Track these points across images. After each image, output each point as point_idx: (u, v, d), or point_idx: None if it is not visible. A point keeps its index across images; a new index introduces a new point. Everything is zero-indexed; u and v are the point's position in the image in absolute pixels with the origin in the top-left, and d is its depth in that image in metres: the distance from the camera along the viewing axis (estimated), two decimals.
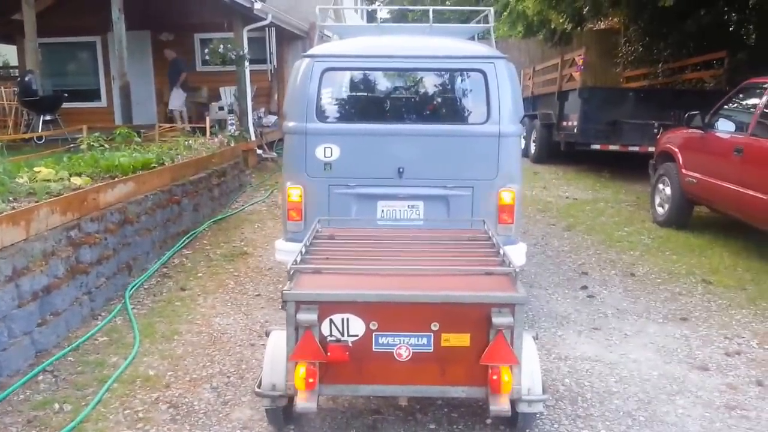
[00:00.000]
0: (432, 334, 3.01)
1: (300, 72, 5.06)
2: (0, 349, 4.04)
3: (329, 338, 3.02)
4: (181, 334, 4.82)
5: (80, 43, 14.56)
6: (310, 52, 5.21)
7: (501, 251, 3.44)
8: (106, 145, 7.65)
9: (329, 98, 5.08)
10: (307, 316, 2.97)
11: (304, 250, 3.53)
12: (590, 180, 12.06)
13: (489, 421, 3.68)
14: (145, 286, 5.85)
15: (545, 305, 5.52)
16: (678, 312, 5.39)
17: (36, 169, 5.63)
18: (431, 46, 5.31)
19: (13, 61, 17.78)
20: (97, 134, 7.99)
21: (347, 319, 3.01)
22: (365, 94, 5.24)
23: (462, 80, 5.19)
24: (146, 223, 6.37)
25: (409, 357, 3.03)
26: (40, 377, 4.16)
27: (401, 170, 4.99)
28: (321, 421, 3.67)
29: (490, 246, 3.75)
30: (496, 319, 2.94)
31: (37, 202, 4.86)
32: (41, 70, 11.96)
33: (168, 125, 12.20)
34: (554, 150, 13.19)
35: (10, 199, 4.99)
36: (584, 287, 5.97)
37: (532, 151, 14.14)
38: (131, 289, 5.67)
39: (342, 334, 3.02)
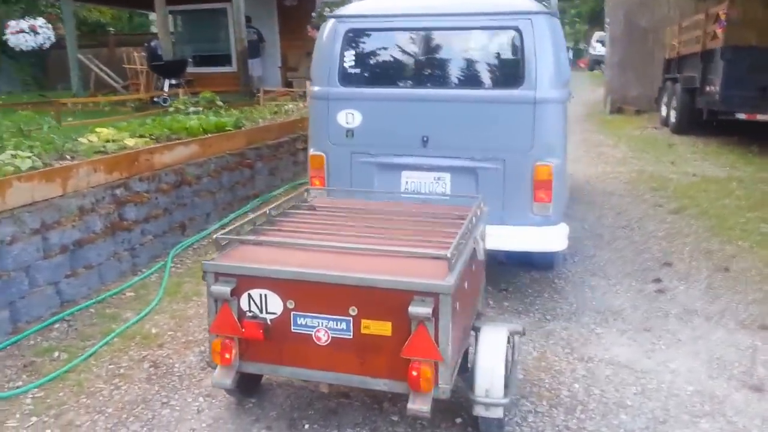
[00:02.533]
0: (351, 319, 2.76)
1: (324, 34, 4.85)
2: (19, 296, 4.29)
3: (248, 314, 2.87)
4: (200, 296, 4.87)
5: (212, 10, 15.14)
6: (336, 12, 4.97)
7: (462, 233, 3.07)
8: (193, 108, 7.89)
9: (352, 61, 4.81)
10: (220, 288, 2.84)
11: (262, 220, 3.39)
12: (732, 155, 10.72)
13: (459, 420, 3.37)
14: (195, 246, 6.00)
15: (598, 297, 4.96)
16: (760, 318, 4.60)
17: (98, 129, 5.91)
18: (463, 2, 4.85)
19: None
20: (189, 98, 8.26)
21: (265, 296, 2.84)
22: (389, 56, 4.91)
23: (495, 39, 4.70)
24: (208, 185, 6.51)
25: (328, 341, 2.80)
26: (56, 326, 4.38)
27: (425, 139, 4.66)
28: (284, 399, 3.55)
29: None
30: (413, 309, 2.63)
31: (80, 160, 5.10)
32: (175, 37, 12.60)
33: (284, 89, 12.47)
34: (697, 119, 11.82)
35: (68, 157, 5.28)
36: (657, 280, 5.30)
37: (672, 120, 12.81)
38: (179, 248, 5.84)
39: (260, 311, 2.86)
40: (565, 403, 3.56)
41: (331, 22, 4.84)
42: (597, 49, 33.26)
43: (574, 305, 4.81)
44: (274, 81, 14.46)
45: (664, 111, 13.44)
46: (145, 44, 12.67)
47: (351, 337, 2.77)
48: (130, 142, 5.69)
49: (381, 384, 2.79)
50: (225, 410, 3.46)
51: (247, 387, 3.47)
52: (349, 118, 4.78)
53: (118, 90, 13.80)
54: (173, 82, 12.46)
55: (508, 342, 3.36)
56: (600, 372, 3.88)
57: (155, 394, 3.60)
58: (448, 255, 2.71)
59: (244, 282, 2.85)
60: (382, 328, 2.73)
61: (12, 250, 4.23)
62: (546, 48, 4.47)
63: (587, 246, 6.12)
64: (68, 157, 5.30)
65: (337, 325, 2.78)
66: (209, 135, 6.79)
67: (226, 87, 12.53)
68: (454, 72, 4.80)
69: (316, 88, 4.89)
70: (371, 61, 4.90)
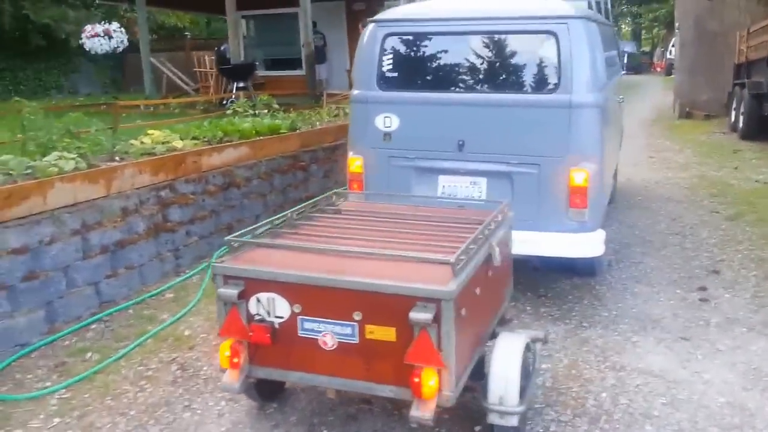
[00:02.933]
0: (356, 324, 2.74)
1: (364, 38, 4.87)
2: (57, 296, 4.45)
3: (256, 317, 2.89)
4: None
5: (284, 15, 15.42)
6: (376, 16, 4.97)
7: (473, 238, 3.00)
8: (251, 111, 8.03)
9: (391, 65, 4.82)
10: (227, 291, 2.86)
11: (281, 222, 3.41)
12: None
13: (478, 428, 3.30)
14: None
15: (639, 305, 4.79)
16: None
17: (150, 131, 6.08)
18: (499, 6, 4.78)
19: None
20: (249, 101, 8.40)
21: (273, 299, 2.84)
22: (427, 60, 4.88)
23: (531, 44, 4.60)
24: (258, 187, 6.60)
25: (334, 346, 2.79)
26: (93, 326, 4.52)
27: (461, 143, 4.61)
28: (306, 404, 3.56)
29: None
30: (414, 315, 2.59)
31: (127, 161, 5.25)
32: (248, 41, 12.90)
33: (348, 93, 12.55)
34: (764, 125, 11.36)
35: (117, 159, 5.45)
36: (702, 288, 5.08)
37: (740, 126, 12.30)
38: (225, 249, 5.92)
39: (268, 315, 2.87)
40: (590, 412, 3.46)
41: (370, 26, 4.86)
42: (673, 53, 32.32)
43: (613, 312, 4.66)
44: (341, 84, 14.60)
45: (732, 116, 12.95)
46: (215, 48, 13.01)
47: (357, 342, 2.75)
48: (179, 144, 5.83)
49: (387, 390, 2.76)
50: (245, 415, 3.49)
51: (271, 391, 3.49)
52: (386, 121, 4.77)
53: (188, 92, 14.21)
54: (241, 84, 12.74)
55: (529, 349, 3.29)
56: (630, 381, 3.75)
57: (179, 397, 3.67)
58: (452, 260, 2.65)
59: (252, 285, 2.86)
60: (386, 333, 2.69)
61: (50, 251, 4.39)
62: (582, 52, 4.37)
63: (635, 252, 5.92)
64: (118, 158, 5.46)
65: (342, 329, 2.76)
66: (261, 137, 6.87)
67: (296, 90, 12.76)
68: (491, 76, 4.73)
69: (355, 92, 4.91)
70: (409, 65, 4.88)
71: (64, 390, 3.76)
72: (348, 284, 2.72)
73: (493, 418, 2.96)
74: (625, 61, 8.11)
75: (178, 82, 14.67)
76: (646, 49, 49.25)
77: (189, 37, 21.17)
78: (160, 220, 5.37)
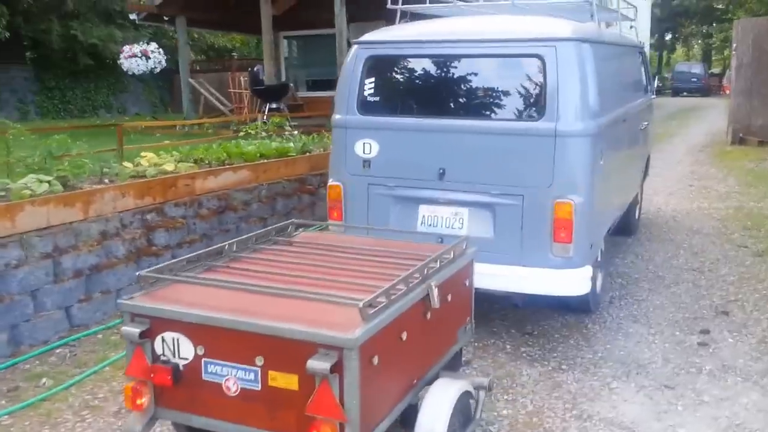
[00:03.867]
0: (258, 369, 2.54)
1: (347, 60, 4.71)
2: (23, 319, 4.41)
3: (162, 358, 2.72)
4: None
5: (324, 35, 15.45)
6: (360, 38, 4.80)
7: (402, 278, 2.77)
8: (264, 133, 7.97)
9: (372, 89, 4.64)
10: (129, 330, 2.70)
11: (210, 255, 3.25)
12: None
13: None
14: None
15: (629, 347, 4.45)
16: None
17: (143, 154, 6.05)
18: (485, 28, 4.56)
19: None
20: (258, 124, 8.35)
21: (177, 339, 2.67)
22: (408, 84, 4.70)
23: (517, 68, 4.36)
24: (257, 211, 6.50)
25: (237, 392, 2.60)
26: (59, 350, 4.45)
27: (442, 172, 4.38)
28: None
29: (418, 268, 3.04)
30: (311, 363, 2.37)
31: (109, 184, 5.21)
32: (289, 62, 12.93)
33: None
34: None
35: (106, 181, 5.41)
36: (705, 331, 4.70)
37: None
38: None
39: (173, 356, 2.70)
40: None
41: (353, 48, 4.71)
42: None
43: (598, 354, 4.34)
44: None
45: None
46: (249, 69, 13.11)
47: (259, 389, 2.55)
48: (170, 167, 5.76)
49: None
50: None
51: None
52: (366, 147, 4.59)
53: (225, 113, 14.36)
54: (273, 106, 12.78)
55: (471, 397, 3.05)
56: None
57: (115, 430, 3.53)
58: (361, 304, 2.43)
59: (157, 324, 2.70)
60: (288, 381, 2.49)
61: (17, 274, 4.36)
62: (571, 77, 4.12)
63: (641, 289, 5.55)
64: (107, 181, 5.43)
65: (245, 375, 2.57)
66: (266, 161, 6.78)
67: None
68: (474, 101, 4.52)
69: (336, 116, 4.74)
70: (390, 90, 4.72)
71: (6, 416, 3.67)
72: (249, 326, 2.53)
73: None
74: (655, 84, 7.51)
75: (216, 102, 14.85)
76: (716, 70, 47.60)
77: (235, 57, 21.57)
78: (143, 244, 5.30)
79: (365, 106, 4.62)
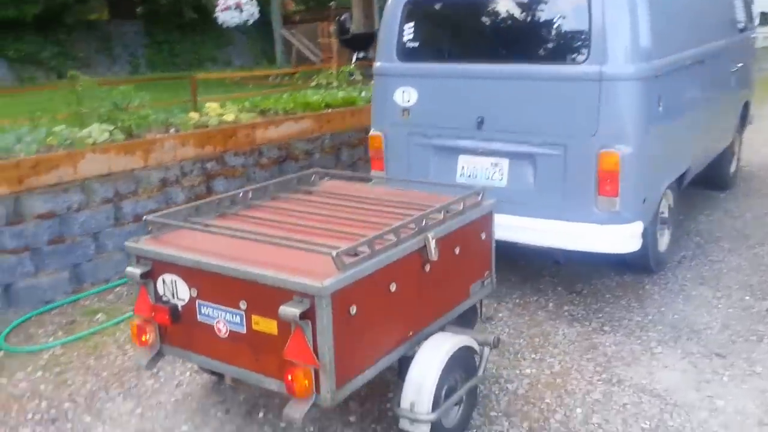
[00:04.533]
0: (243, 313, 2.58)
1: (387, 5, 4.58)
2: (85, 259, 4.69)
3: (163, 298, 2.82)
4: None
5: None
6: None
7: (393, 229, 2.69)
8: (335, 83, 7.96)
9: (411, 35, 4.49)
10: (131, 270, 2.81)
11: (228, 202, 3.30)
12: None
13: None
14: None
15: (687, 311, 4.15)
16: None
17: (207, 104, 6.19)
18: None
19: None
20: (330, 74, 8.32)
21: (175, 282, 2.75)
22: (447, 28, 4.49)
23: (560, 6, 4.07)
24: (319, 161, 6.52)
25: (227, 334, 2.65)
26: (117, 290, 4.71)
27: (481, 120, 4.21)
28: None
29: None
30: (283, 309, 2.38)
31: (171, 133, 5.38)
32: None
33: None
34: None
35: (173, 131, 5.60)
36: None
37: None
38: None
39: (173, 296, 2.78)
40: (550, 429, 3.05)
41: None
42: None
43: (648, 317, 4.08)
44: None
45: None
46: (336, 18, 13.07)
47: (245, 332, 2.59)
48: (230, 117, 5.88)
49: (274, 384, 2.58)
50: (200, 387, 3.47)
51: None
52: (405, 95, 4.48)
53: (315, 63, 14.47)
54: (361, 55, 12.69)
55: (475, 353, 2.96)
56: (618, 399, 3.26)
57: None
58: (334, 253, 2.39)
59: (158, 266, 2.79)
60: (269, 326, 2.51)
61: (79, 217, 4.62)
62: (620, 13, 3.83)
63: (720, 249, 5.15)
64: (174, 131, 5.61)
65: (233, 318, 2.61)
66: (330, 110, 6.78)
67: None
68: (513, 45, 4.28)
69: (377, 64, 4.65)
70: (428, 35, 4.56)
71: (60, 347, 3.93)
72: (232, 272, 2.56)
73: (403, 424, 2.72)
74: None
75: (307, 52, 14.98)
76: None
77: (332, 7, 21.53)
78: (202, 192, 5.46)
79: (405, 53, 4.49)
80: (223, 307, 2.63)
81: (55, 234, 4.54)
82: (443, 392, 2.79)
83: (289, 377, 2.43)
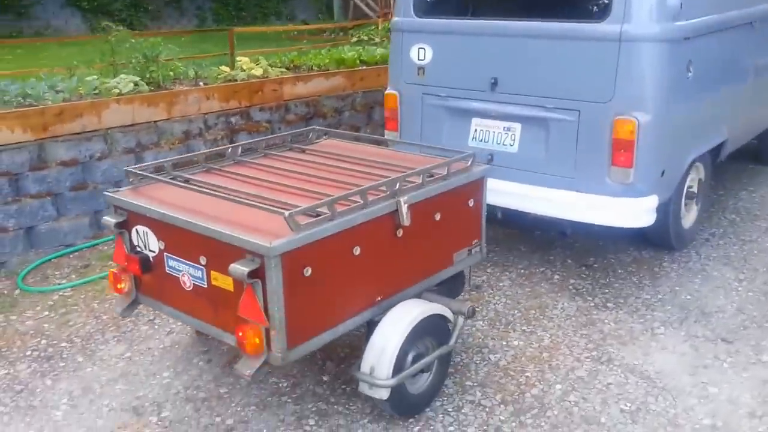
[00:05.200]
0: (203, 268, 2.59)
1: None
2: (107, 206, 4.79)
3: (137, 249, 2.86)
4: None
5: None
6: None
7: (359, 191, 2.63)
8: (377, 39, 7.84)
9: None
10: (107, 219, 2.87)
11: (211, 157, 3.30)
12: None
13: None
14: None
15: (702, 292, 3.94)
16: None
17: (238, 59, 6.20)
18: None
19: None
20: (372, 29, 8.20)
21: (146, 233, 2.79)
22: None
23: None
24: (349, 119, 6.47)
25: (191, 287, 2.67)
26: None
27: (494, 81, 4.06)
28: None
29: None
30: (232, 267, 2.37)
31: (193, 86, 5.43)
32: None
33: None
34: None
35: (201, 84, 5.65)
36: None
37: None
38: None
39: (145, 247, 2.82)
40: (523, 403, 2.97)
41: None
42: None
43: (658, 296, 3.91)
44: None
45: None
46: None
47: (206, 286, 2.61)
48: (258, 71, 5.87)
49: (231, 339, 2.59)
50: (188, 336, 3.54)
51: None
52: (420, 53, 4.36)
53: (371, 18, 14.28)
54: None
55: (447, 321, 2.91)
56: (603, 378, 3.15)
57: (149, 311, 3.76)
58: (286, 213, 2.36)
59: (132, 217, 2.82)
60: (226, 282, 2.51)
61: (101, 166, 4.73)
62: None
63: (755, 228, 4.87)
64: (202, 84, 5.66)
65: (195, 272, 2.63)
66: (364, 68, 6.69)
67: None
68: (529, 0, 4.07)
69: (395, 19, 4.53)
70: None
71: (70, 289, 4.08)
72: (193, 227, 2.56)
73: (363, 388, 2.71)
74: None
75: (364, 7, 14.78)
76: None
77: None
78: (225, 145, 5.49)
79: (421, 8, 4.35)
80: (186, 261, 2.65)
81: (77, 181, 4.67)
82: (408, 358, 2.76)
83: (240, 334, 2.43)
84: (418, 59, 4.36)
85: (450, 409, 2.92)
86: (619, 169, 3.74)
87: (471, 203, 3.18)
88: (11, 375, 3.19)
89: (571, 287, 4.02)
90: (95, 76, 5.24)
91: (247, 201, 2.59)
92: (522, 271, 4.22)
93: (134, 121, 4.95)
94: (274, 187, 2.87)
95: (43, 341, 3.50)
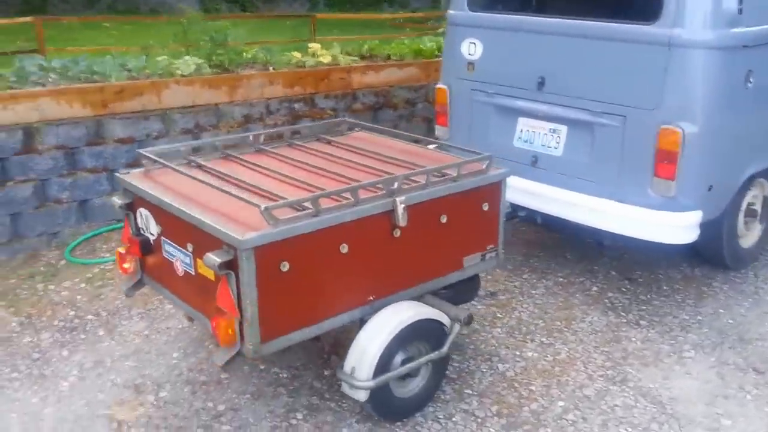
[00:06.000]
0: (191, 255, 2.63)
1: None
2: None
3: (141, 230, 2.94)
4: None
5: None
6: None
7: (350, 188, 2.59)
8: None
9: None
10: (114, 200, 2.96)
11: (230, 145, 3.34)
12: None
13: None
14: None
15: (746, 317, 3.66)
16: None
17: (310, 45, 6.24)
18: None
19: None
20: None
21: (147, 216, 2.86)
22: None
23: None
24: (422, 111, 6.38)
25: (183, 273, 2.72)
26: None
27: (541, 80, 3.89)
28: None
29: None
30: (207, 256, 2.39)
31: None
32: None
33: None
34: None
35: (271, 69, 5.75)
36: None
37: None
38: None
39: (146, 230, 2.89)
40: (519, 417, 2.86)
41: None
42: None
43: (698, 317, 3.65)
44: None
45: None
46: None
47: (194, 273, 2.65)
48: (326, 58, 5.90)
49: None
50: None
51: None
52: (471, 48, 4.24)
53: None
54: None
55: (446, 328, 2.84)
56: (611, 399, 2.98)
57: None
58: (262, 207, 2.35)
59: (138, 200, 2.89)
60: (208, 270, 2.53)
61: (156, 144, 4.89)
62: None
63: None
64: (272, 68, 5.76)
65: (185, 258, 2.67)
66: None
67: None
68: None
69: (449, 12, 4.43)
70: None
71: (111, 263, 4.26)
72: (182, 214, 2.59)
73: (344, 388, 2.68)
74: None
75: None
76: None
77: None
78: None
79: (475, 2, 4.22)
80: (178, 247, 2.69)
81: (132, 158, 4.84)
82: (396, 361, 2.70)
83: (214, 324, 2.45)
84: (469, 54, 4.23)
85: (441, 417, 2.84)
86: (662, 181, 3.50)
87: (486, 207, 3.06)
88: (34, 343, 3.37)
89: (606, 301, 3.81)
90: (165, 57, 5.42)
91: (230, 192, 2.59)
92: (560, 279, 4.04)
93: (194, 103, 5.08)
94: (279, 178, 2.87)
95: (72, 312, 3.67)
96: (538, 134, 4.00)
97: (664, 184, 3.49)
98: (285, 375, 3.12)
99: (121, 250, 3.00)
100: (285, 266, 2.44)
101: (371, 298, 2.75)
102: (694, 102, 3.41)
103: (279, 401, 2.94)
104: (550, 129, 3.94)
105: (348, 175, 2.92)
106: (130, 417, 2.82)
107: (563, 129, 3.89)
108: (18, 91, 4.45)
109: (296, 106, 5.61)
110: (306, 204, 2.49)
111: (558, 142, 3.91)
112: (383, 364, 2.64)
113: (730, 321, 3.61)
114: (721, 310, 3.71)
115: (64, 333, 3.47)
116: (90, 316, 3.64)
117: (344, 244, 2.59)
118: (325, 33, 8.89)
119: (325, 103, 5.78)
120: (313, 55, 6.09)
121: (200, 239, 2.53)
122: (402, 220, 2.68)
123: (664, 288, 3.96)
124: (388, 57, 6.59)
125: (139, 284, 3.06)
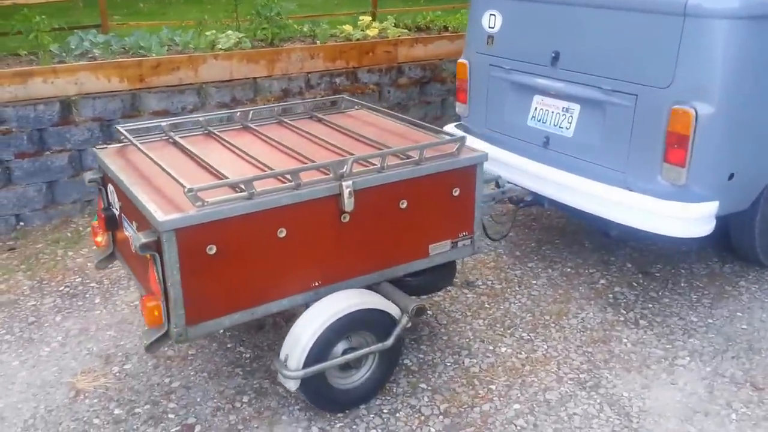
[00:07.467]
0: (135, 234, 2.67)
1: None
2: None
3: (110, 205, 3.02)
4: None
5: None
6: None
7: (291, 170, 2.53)
8: None
9: None
10: (87, 174, 3.05)
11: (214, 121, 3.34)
12: None
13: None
14: None
15: (765, 323, 3.30)
16: None
17: (361, 18, 6.13)
18: None
19: None
20: None
21: (113, 192, 2.93)
22: None
23: None
24: None
25: (134, 250, 2.78)
26: None
27: (555, 55, 3.64)
28: None
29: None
30: (134, 236, 2.42)
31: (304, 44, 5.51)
32: None
33: None
34: None
35: (318, 42, 5.74)
36: None
37: None
38: None
39: (113, 205, 2.97)
40: (465, 418, 2.73)
41: None
42: None
43: (707, 320, 3.34)
44: None
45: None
46: None
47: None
48: (372, 32, 5.79)
49: None
50: None
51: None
52: (491, 20, 4.03)
53: None
54: None
55: (396, 318, 2.73)
56: (573, 406, 2.78)
57: None
58: (186, 189, 2.34)
59: (106, 175, 2.97)
60: None
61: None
62: None
63: None
64: (318, 42, 5.74)
65: (133, 235, 2.72)
66: None
67: None
68: None
69: None
70: None
71: None
72: (127, 192, 2.63)
73: (279, 376, 2.64)
74: None
75: None
76: None
77: None
78: (326, 105, 5.54)
79: None
80: (130, 223, 2.74)
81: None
82: (335, 351, 2.65)
83: (141, 304, 2.48)
84: (489, 27, 4.02)
85: (385, 411, 2.76)
86: (672, 167, 3.19)
87: (457, 192, 2.91)
88: (35, 307, 3.56)
89: (610, 296, 3.56)
90: (214, 31, 5.52)
91: (169, 172, 2.59)
92: (568, 270, 3.81)
93: (232, 77, 5.15)
94: (245, 157, 2.85)
95: (78, 279, 3.84)
96: (551, 113, 3.75)
97: (674, 171, 3.19)
98: (248, 355, 3.13)
99: (94, 223, 3.10)
100: (212, 249, 2.42)
101: (316, 284, 2.69)
102: (711, 79, 3.07)
103: (232, 381, 2.96)
104: (564, 108, 3.69)
105: (320, 156, 2.85)
106: (89, 387, 2.92)
107: (576, 108, 3.63)
108: (58, 65, 4.67)
109: (337, 80, 5.56)
110: (240, 186, 2.46)
111: (570, 122, 3.66)
112: (317, 354, 2.58)
113: (744, 327, 3.27)
114: (739, 314, 3.37)
115: (64, 299, 3.64)
116: (93, 284, 3.79)
117: (282, 229, 2.54)
118: (390, 5, 8.72)
119: (368, 77, 5.70)
120: (364, 28, 6.00)
121: (139, 218, 2.57)
122: (348, 204, 2.60)
123: (682, 285, 3.64)
124: (445, 29, 6.40)
125: (111, 257, 3.14)
